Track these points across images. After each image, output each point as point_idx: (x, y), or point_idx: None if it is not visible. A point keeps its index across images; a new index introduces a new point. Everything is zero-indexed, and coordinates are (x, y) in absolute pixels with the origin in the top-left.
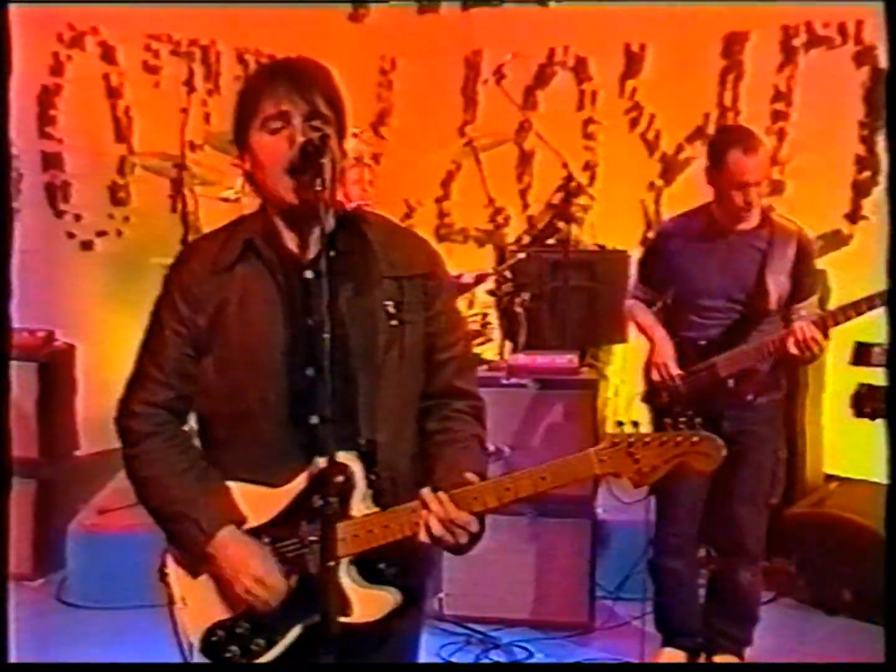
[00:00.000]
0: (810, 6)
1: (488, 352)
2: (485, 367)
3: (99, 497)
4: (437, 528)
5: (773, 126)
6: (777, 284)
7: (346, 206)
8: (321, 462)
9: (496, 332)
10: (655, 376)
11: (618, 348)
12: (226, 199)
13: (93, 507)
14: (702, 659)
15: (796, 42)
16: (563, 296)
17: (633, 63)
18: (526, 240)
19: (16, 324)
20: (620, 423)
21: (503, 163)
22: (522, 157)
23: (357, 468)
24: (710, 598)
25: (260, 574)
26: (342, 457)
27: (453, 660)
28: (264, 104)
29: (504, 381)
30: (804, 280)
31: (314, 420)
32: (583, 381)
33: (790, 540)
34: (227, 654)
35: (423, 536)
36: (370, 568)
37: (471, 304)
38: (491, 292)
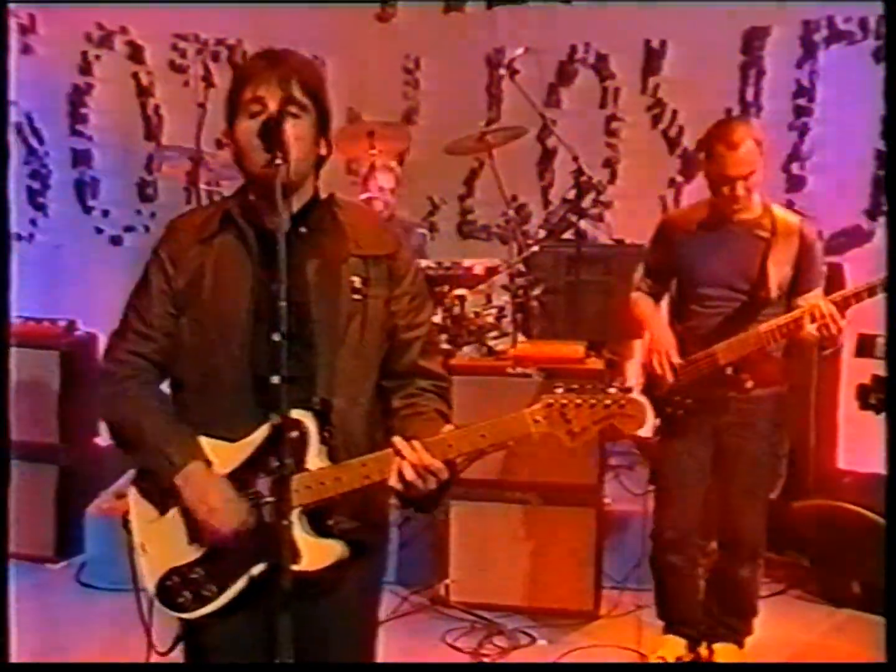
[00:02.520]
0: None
1: (502, 346)
2: (493, 357)
3: (118, 483)
4: (409, 474)
5: (795, 122)
6: (778, 273)
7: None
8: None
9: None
10: (654, 364)
11: (638, 343)
12: None
13: (112, 492)
14: (703, 647)
15: (816, 37)
16: (577, 290)
17: (653, 59)
18: (542, 234)
19: (42, 314)
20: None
21: (526, 159)
22: (544, 154)
23: (311, 425)
24: (710, 590)
25: (215, 505)
26: (298, 414)
27: (458, 645)
28: (246, 90)
29: (510, 371)
30: (808, 272)
31: (275, 380)
32: (588, 370)
33: (800, 533)
34: (180, 599)
35: (394, 482)
36: (321, 521)
37: (489, 298)
38: (505, 286)
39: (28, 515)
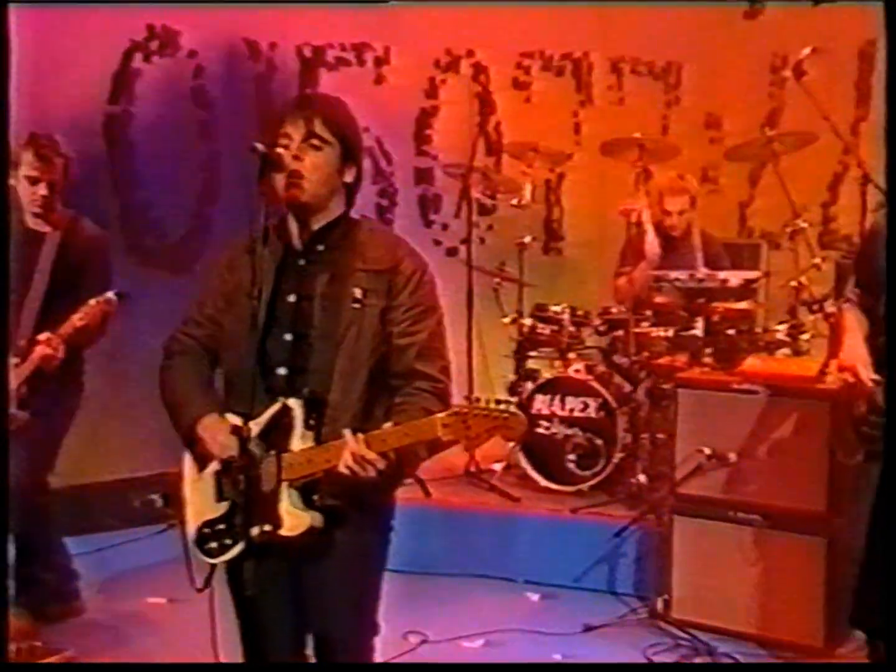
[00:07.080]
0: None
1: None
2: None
3: None
4: (349, 461)
5: None
6: None
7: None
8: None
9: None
10: (847, 378)
11: None
12: (518, 206)
13: None
14: None
15: None
16: None
17: None
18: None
19: None
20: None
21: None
22: None
23: (298, 413)
24: None
25: (222, 440)
26: (291, 402)
27: (654, 658)
28: (277, 127)
29: (734, 386)
30: None
31: (281, 371)
32: (820, 391)
33: None
34: (208, 547)
35: (341, 467)
36: (308, 495)
37: (793, 313)
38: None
39: None
